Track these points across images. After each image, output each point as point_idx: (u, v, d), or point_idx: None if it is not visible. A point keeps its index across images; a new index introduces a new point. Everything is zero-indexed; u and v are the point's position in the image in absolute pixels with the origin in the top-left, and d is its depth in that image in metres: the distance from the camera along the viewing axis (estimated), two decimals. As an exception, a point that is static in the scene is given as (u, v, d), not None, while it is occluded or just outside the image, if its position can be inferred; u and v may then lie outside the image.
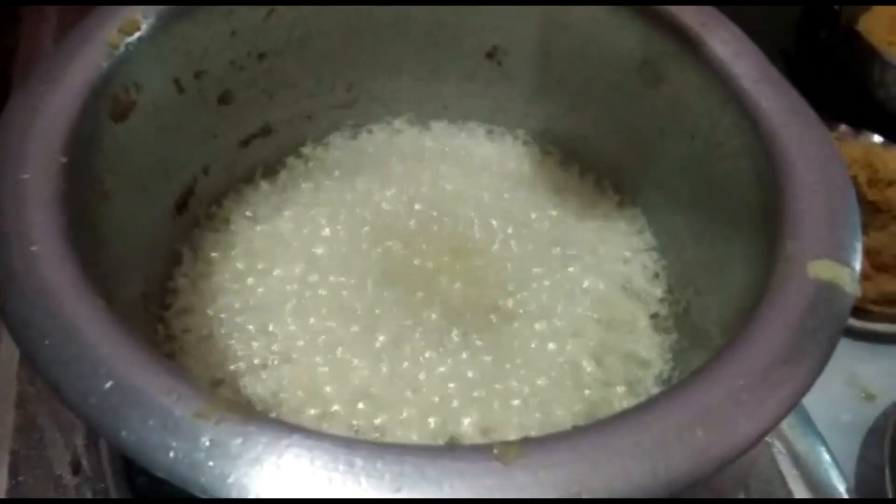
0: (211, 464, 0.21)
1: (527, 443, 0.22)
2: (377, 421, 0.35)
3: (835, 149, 0.31)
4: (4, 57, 0.57)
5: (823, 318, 0.26)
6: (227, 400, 0.23)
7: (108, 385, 0.22)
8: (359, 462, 0.21)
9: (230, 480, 0.21)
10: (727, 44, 0.35)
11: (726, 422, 0.23)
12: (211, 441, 0.21)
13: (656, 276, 0.42)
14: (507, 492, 0.21)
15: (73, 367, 0.23)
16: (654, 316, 0.41)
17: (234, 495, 0.21)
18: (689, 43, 0.36)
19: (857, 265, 0.28)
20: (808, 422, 0.46)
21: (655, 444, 0.22)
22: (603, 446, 0.22)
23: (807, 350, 0.25)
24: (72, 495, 0.40)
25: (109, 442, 0.21)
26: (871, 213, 0.55)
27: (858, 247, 0.28)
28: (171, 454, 0.21)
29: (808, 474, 0.44)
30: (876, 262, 0.54)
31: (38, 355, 0.23)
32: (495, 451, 0.22)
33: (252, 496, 0.21)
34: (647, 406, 0.24)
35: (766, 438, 0.45)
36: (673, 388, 0.24)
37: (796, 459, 0.45)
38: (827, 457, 0.45)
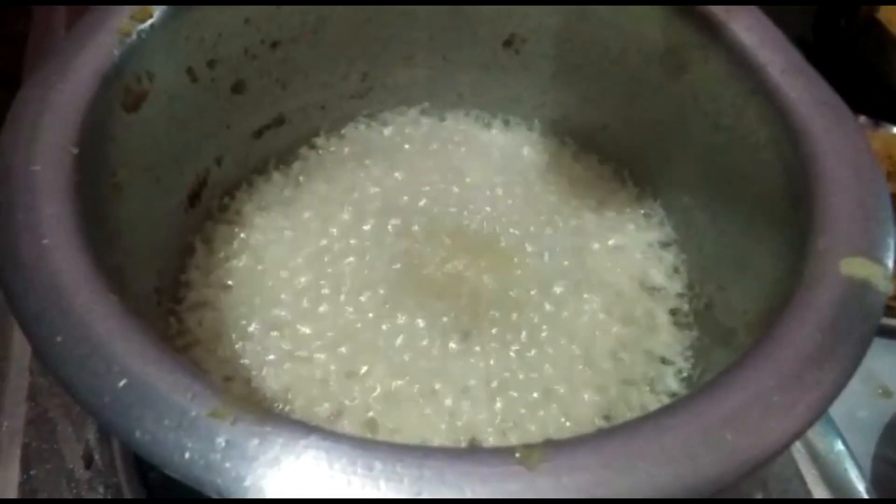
0: (227, 465, 0.21)
1: (550, 446, 0.22)
2: (392, 418, 0.34)
3: (865, 141, 0.30)
4: (15, 46, 0.56)
5: (856, 318, 0.25)
6: (242, 399, 0.22)
7: (121, 383, 0.22)
8: (378, 465, 0.21)
9: (247, 483, 0.20)
10: (752, 30, 0.34)
11: (756, 425, 0.22)
12: (227, 441, 0.21)
13: (676, 270, 0.41)
14: (529, 496, 0.20)
15: (86, 365, 0.22)
16: (673, 312, 0.40)
17: (251, 498, 0.20)
18: (712, 30, 0.35)
19: (891, 263, 0.27)
20: (827, 420, 0.46)
21: (682, 449, 0.22)
22: (628, 450, 0.22)
23: (839, 350, 0.24)
24: (84, 489, 0.39)
25: (123, 442, 0.21)
26: (893, 205, 0.54)
27: (891, 244, 0.27)
28: (187, 455, 0.21)
29: (827, 473, 0.43)
30: (896, 257, 0.53)
31: (50, 352, 0.23)
32: (517, 454, 0.21)
33: (269, 499, 0.20)
34: (673, 408, 0.23)
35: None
36: (700, 390, 0.24)
37: (815, 458, 0.44)
38: (847, 455, 0.44)
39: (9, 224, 0.25)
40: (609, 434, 0.22)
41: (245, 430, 0.21)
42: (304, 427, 0.22)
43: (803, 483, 0.43)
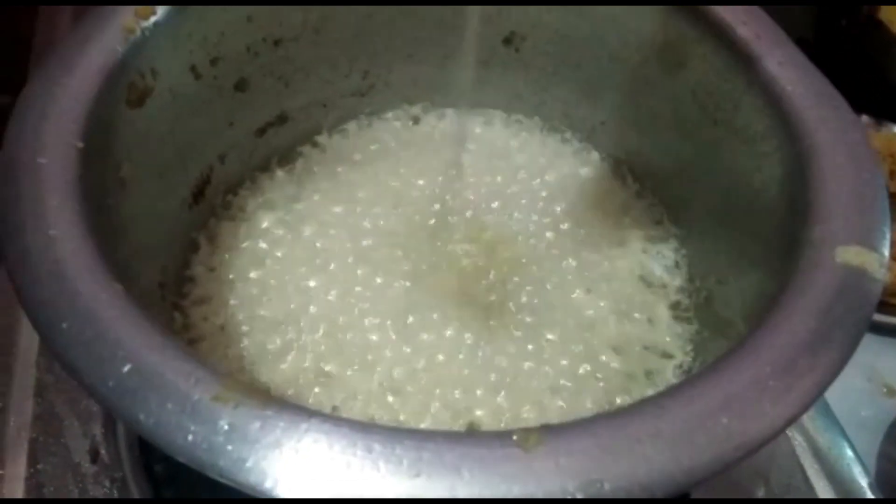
0: (229, 447, 0.21)
1: (547, 429, 0.22)
2: (396, 410, 0.35)
3: (862, 132, 0.30)
4: (21, 44, 0.57)
5: (851, 305, 0.25)
6: (244, 384, 0.22)
7: (126, 368, 0.22)
8: (377, 447, 0.21)
9: (248, 464, 0.21)
10: (748, 24, 0.35)
11: (751, 409, 0.23)
12: (229, 425, 0.21)
13: (676, 265, 0.41)
14: (526, 479, 0.21)
15: (91, 351, 0.23)
16: (673, 306, 0.40)
17: (252, 480, 0.21)
18: (709, 25, 0.35)
19: (886, 251, 0.27)
20: (829, 415, 0.46)
21: (678, 432, 0.22)
22: (624, 434, 0.22)
23: (834, 337, 0.24)
24: (90, 484, 0.40)
25: (127, 425, 0.21)
26: (893, 204, 0.54)
27: (887, 232, 0.27)
28: (190, 437, 0.21)
29: (830, 468, 0.43)
30: (899, 255, 0.53)
31: (56, 338, 0.23)
32: (515, 437, 0.22)
33: (270, 480, 0.21)
34: (670, 393, 0.23)
35: (787, 432, 0.45)
36: (697, 376, 0.24)
37: (817, 453, 0.44)
38: (849, 451, 0.44)
39: (15, 215, 0.25)
40: (607, 418, 0.23)
41: (247, 413, 0.21)
42: (305, 411, 0.22)
43: (806, 478, 0.43)
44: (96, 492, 0.40)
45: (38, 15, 0.59)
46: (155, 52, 0.34)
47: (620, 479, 0.21)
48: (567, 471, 0.21)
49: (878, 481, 0.44)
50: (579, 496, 0.21)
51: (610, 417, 0.23)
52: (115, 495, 0.39)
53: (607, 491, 0.21)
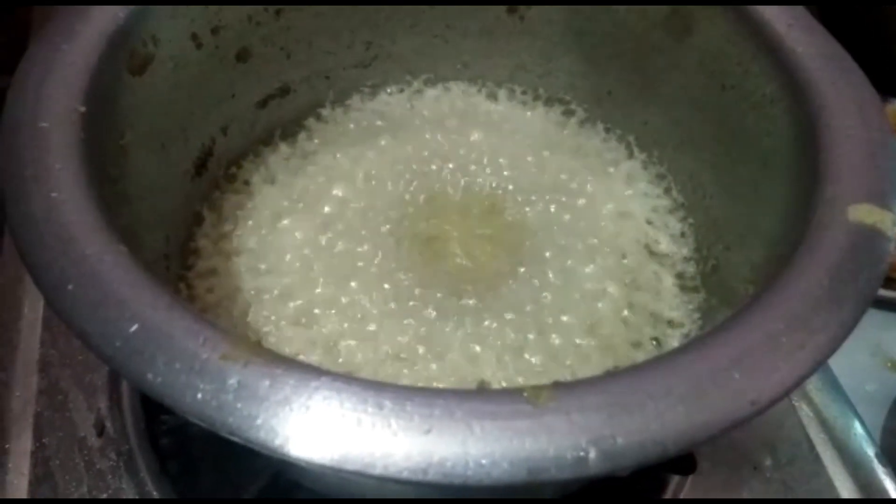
0: (239, 405, 0.21)
1: (558, 386, 0.22)
2: (404, 378, 0.34)
3: (872, 92, 0.30)
4: (19, 33, 0.57)
5: (864, 263, 0.25)
6: (252, 343, 0.22)
7: (133, 328, 0.22)
8: (388, 404, 0.21)
9: (258, 422, 0.21)
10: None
11: (764, 365, 0.22)
12: (238, 383, 0.21)
13: (682, 235, 0.41)
14: (538, 434, 0.21)
15: (97, 311, 0.22)
16: (680, 275, 0.40)
17: (262, 436, 0.21)
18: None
19: (899, 209, 0.27)
20: (837, 388, 0.46)
21: (690, 388, 0.22)
22: (636, 390, 0.22)
23: (847, 294, 0.24)
24: (96, 457, 0.40)
25: (135, 385, 0.21)
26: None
27: (900, 190, 0.27)
28: (199, 396, 0.21)
29: (837, 439, 0.43)
30: (905, 230, 0.52)
31: (62, 300, 0.23)
32: (526, 393, 0.21)
33: (280, 438, 0.20)
34: (682, 350, 0.23)
35: (794, 402, 0.45)
36: (708, 333, 0.24)
37: (824, 424, 0.44)
38: (857, 422, 0.44)
39: (18, 178, 0.25)
40: (618, 375, 0.22)
41: (256, 371, 0.21)
42: (315, 370, 0.22)
43: (812, 448, 0.43)
44: (103, 465, 0.40)
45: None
46: (156, 20, 0.33)
47: (633, 434, 0.21)
48: (579, 426, 0.21)
49: (884, 455, 0.44)
50: (592, 451, 0.21)
51: (621, 375, 0.22)
52: (123, 468, 0.40)
53: (620, 446, 0.21)
